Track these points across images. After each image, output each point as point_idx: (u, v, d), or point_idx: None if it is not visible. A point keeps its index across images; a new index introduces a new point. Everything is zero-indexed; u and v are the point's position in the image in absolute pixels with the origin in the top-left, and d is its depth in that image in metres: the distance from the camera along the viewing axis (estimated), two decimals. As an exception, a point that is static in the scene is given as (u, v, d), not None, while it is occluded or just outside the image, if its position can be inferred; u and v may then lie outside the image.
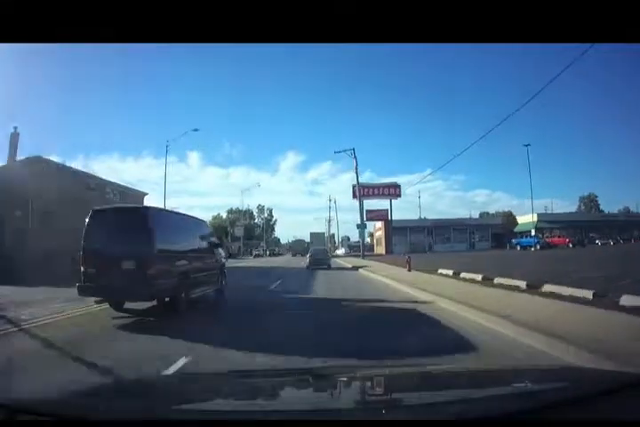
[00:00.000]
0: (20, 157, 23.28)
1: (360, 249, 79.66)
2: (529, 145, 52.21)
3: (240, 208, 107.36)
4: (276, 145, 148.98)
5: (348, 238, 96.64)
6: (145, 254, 8.05)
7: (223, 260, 13.08)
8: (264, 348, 5.59)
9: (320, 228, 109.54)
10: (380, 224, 60.48)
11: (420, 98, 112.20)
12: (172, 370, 4.40)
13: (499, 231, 63.72)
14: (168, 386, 2.24)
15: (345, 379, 2.32)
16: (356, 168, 38.49)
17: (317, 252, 29.38)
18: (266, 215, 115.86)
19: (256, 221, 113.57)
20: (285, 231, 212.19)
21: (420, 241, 59.19)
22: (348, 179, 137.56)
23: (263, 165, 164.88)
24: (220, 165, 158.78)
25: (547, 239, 50.28)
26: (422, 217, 70.16)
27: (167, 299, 8.78)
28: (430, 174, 78.55)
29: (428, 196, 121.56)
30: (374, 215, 55.50)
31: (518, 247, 50.19)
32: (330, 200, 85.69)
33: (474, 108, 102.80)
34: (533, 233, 49.95)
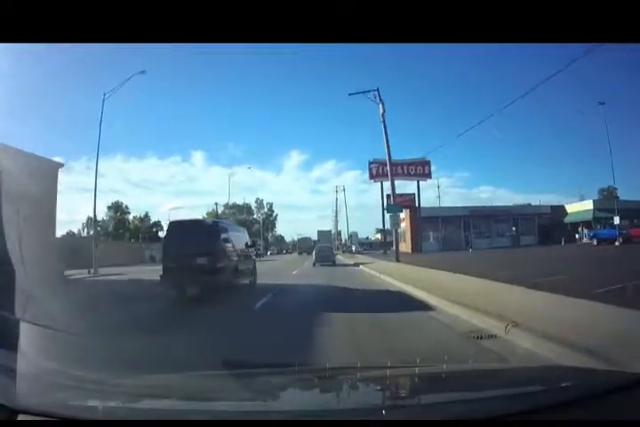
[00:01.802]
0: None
1: (371, 246, 67.30)
2: (604, 104, 38.62)
3: (238, 203, 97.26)
4: (280, 144, 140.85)
5: (356, 235, 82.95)
6: (214, 253, 10.94)
7: (254, 257, 15.92)
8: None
9: (325, 225, 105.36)
10: (402, 214, 46.23)
11: (422, 96, 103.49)
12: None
13: (544, 223, 49.82)
14: (168, 386, 2.20)
15: (346, 380, 2.32)
16: (383, 116, 24.44)
17: (323, 249, 29.87)
18: (265, 210, 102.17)
19: (255, 216, 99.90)
20: (291, 230, 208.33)
21: (453, 235, 45.06)
22: (352, 177, 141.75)
23: (267, 165, 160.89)
24: (224, 165, 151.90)
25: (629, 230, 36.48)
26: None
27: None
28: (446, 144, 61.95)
29: (433, 192, 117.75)
30: (398, 201, 41.10)
31: (594, 241, 36.42)
32: (337, 191, 73.46)
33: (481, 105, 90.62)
34: (617, 221, 35.77)
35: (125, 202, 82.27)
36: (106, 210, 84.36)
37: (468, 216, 45.28)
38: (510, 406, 1.41)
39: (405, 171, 40.78)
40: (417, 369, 2.61)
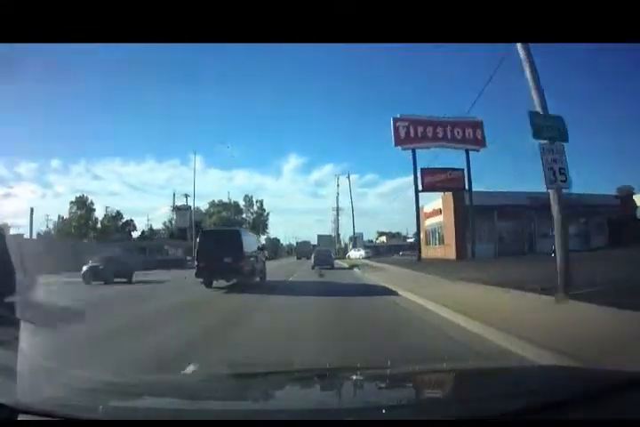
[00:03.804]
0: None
1: (377, 249, 52.54)
2: None
3: (224, 200, 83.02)
4: (278, 148, 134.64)
5: (361, 236, 68.37)
6: (238, 254, 13.30)
7: (264, 258, 18.33)
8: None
9: (324, 229, 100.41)
10: (437, 204, 31.13)
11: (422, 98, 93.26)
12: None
13: (613, 218, 35.12)
14: (169, 387, 2.16)
15: (346, 380, 2.26)
16: None
17: (321, 253, 29.40)
18: (255, 209, 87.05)
19: (244, 216, 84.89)
20: (289, 234, 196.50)
21: (510, 234, 30.14)
22: (351, 180, 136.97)
23: (266, 168, 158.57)
24: (223, 168, 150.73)
25: None
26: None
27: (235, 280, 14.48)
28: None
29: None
30: (439, 181, 26.05)
31: None
32: (338, 186, 59.75)
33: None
34: None
35: (124, 205, 69.66)
36: (69, 206, 71.02)
37: (528, 207, 30.13)
38: (509, 406, 1.37)
39: (449, 134, 25.73)
40: (417, 369, 2.64)
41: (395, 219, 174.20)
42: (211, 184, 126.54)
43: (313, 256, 29.24)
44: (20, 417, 1.34)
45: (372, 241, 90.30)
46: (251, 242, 15.54)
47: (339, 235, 72.78)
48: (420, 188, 25.05)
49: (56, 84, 72.11)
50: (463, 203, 26.72)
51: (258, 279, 15.40)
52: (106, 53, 50.77)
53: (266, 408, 1.65)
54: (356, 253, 46.68)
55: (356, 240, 56.89)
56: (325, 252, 30.21)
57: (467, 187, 26.13)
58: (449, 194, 27.91)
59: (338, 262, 32.87)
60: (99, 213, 71.22)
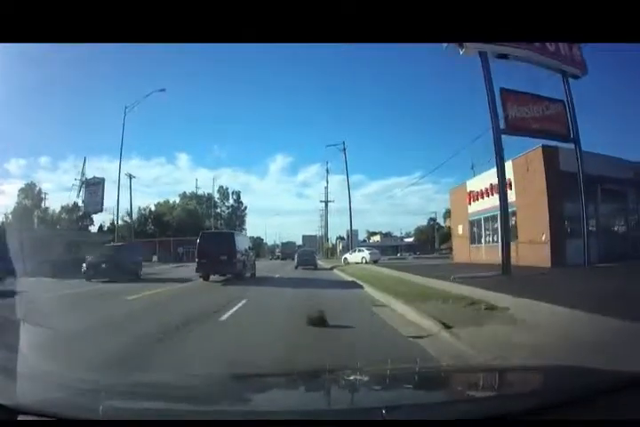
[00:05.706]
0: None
1: (383, 251, 39.56)
2: None
3: (196, 192, 71.14)
4: (265, 148, 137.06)
5: (357, 234, 57.19)
6: (232, 253, 16.09)
7: (254, 257, 21.64)
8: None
9: (310, 230, 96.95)
10: (507, 168, 18.60)
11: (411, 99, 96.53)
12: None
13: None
14: (168, 386, 2.15)
15: (345, 380, 2.25)
16: None
17: (305, 253, 29.94)
18: (231, 202, 75.04)
19: (218, 210, 72.80)
20: (274, 234, 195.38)
21: (611, 222, 18.83)
22: (337, 181, 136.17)
23: (252, 167, 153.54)
24: (210, 167, 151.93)
25: None
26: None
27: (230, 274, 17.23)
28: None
29: (418, 199, 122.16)
30: (531, 118, 13.84)
31: None
32: (328, 171, 50.59)
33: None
34: None
35: (109, 203, 56.16)
36: (17, 194, 59.36)
37: (632, 183, 18.74)
38: (510, 406, 1.38)
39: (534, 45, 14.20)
40: (417, 369, 2.65)
41: (381, 219, 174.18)
42: (200, 184, 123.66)
43: (296, 256, 29.31)
44: (20, 417, 1.33)
45: (364, 241, 79.68)
46: (243, 242, 18.61)
47: (326, 233, 62.67)
48: (502, 126, 13.06)
49: (44, 80, 69.26)
50: (559, 168, 15.24)
51: (249, 275, 18.27)
52: (97, 50, 50.29)
53: (265, 409, 1.61)
54: (356, 256, 32.53)
55: (351, 238, 45.06)
56: (309, 252, 30.77)
57: (570, 132, 14.45)
58: (533, 154, 16.32)
59: (323, 264, 32.11)
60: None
